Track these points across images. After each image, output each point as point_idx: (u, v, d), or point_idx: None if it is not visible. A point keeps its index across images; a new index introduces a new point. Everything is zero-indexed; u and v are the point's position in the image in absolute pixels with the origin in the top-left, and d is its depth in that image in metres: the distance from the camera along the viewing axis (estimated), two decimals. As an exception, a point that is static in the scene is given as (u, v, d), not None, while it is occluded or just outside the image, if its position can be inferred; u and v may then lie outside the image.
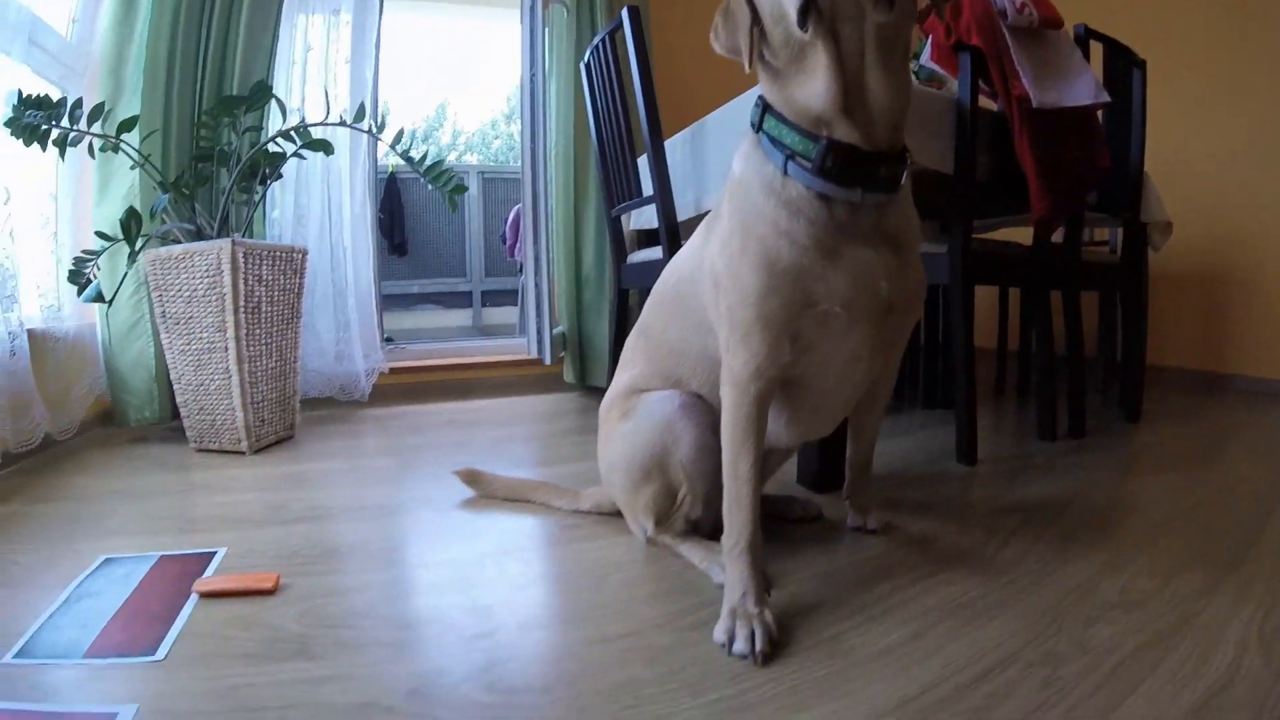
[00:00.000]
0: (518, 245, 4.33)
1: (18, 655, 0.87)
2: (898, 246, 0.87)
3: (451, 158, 10.68)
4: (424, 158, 1.95)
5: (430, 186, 1.94)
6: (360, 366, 2.51)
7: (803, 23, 0.75)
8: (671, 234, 1.84)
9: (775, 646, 0.80)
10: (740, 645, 0.79)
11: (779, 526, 1.20)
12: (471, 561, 1.13)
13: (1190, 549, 1.08)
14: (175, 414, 2.07)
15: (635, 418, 1.06)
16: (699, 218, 1.92)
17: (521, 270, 4.41)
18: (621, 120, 1.99)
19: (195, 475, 1.71)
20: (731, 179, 0.92)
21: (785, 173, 0.84)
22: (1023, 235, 1.92)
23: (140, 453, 1.93)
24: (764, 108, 0.88)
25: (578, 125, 2.62)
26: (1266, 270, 2.63)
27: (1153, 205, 2.18)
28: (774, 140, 0.85)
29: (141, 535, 1.30)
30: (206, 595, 1.02)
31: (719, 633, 0.82)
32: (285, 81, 2.40)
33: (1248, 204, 2.64)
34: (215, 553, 1.19)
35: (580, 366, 2.72)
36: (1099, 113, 1.74)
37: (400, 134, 1.95)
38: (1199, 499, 1.33)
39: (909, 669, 0.74)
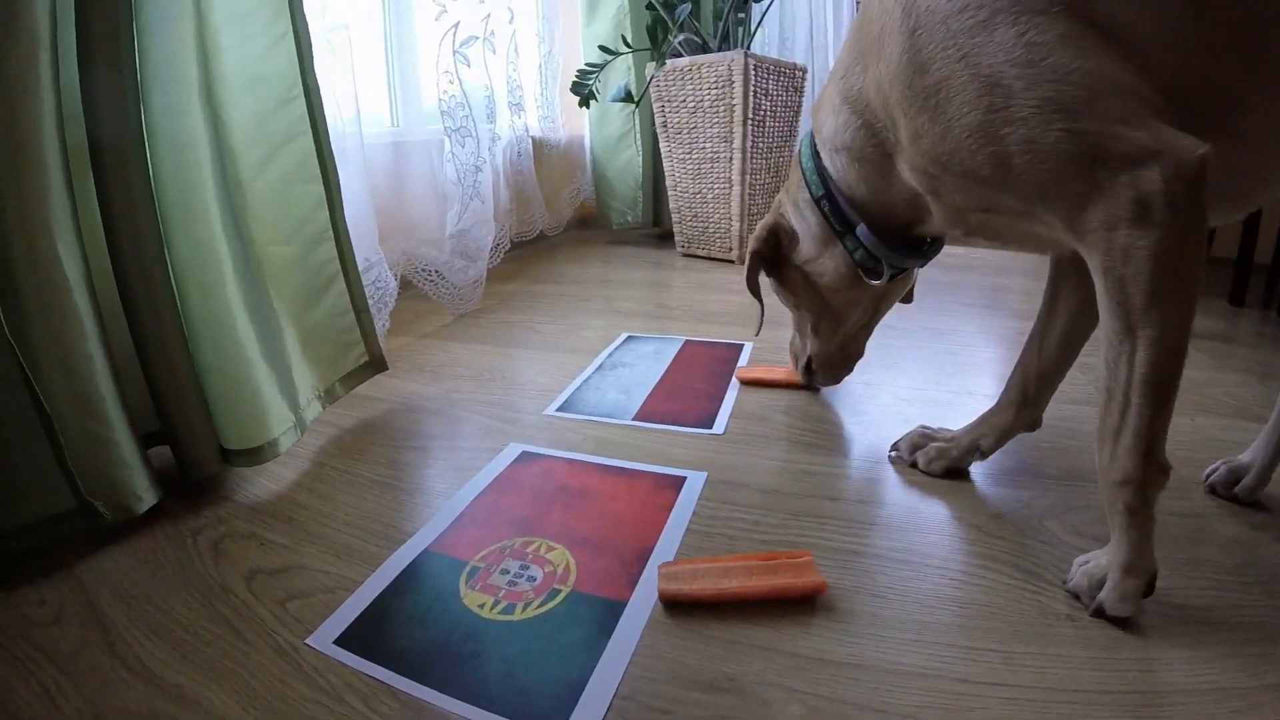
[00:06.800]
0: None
1: (560, 409, 1.00)
2: None
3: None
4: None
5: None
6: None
7: None
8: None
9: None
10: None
11: None
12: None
13: None
14: (656, 221, 2.24)
15: None
16: None
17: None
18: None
19: (690, 275, 1.81)
20: None
21: None
22: None
23: (625, 251, 2.14)
24: None
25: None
26: None
27: None
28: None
29: (654, 319, 1.41)
30: (748, 383, 1.09)
31: None
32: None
33: None
34: (744, 345, 1.26)
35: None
36: None
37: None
38: None
39: None
